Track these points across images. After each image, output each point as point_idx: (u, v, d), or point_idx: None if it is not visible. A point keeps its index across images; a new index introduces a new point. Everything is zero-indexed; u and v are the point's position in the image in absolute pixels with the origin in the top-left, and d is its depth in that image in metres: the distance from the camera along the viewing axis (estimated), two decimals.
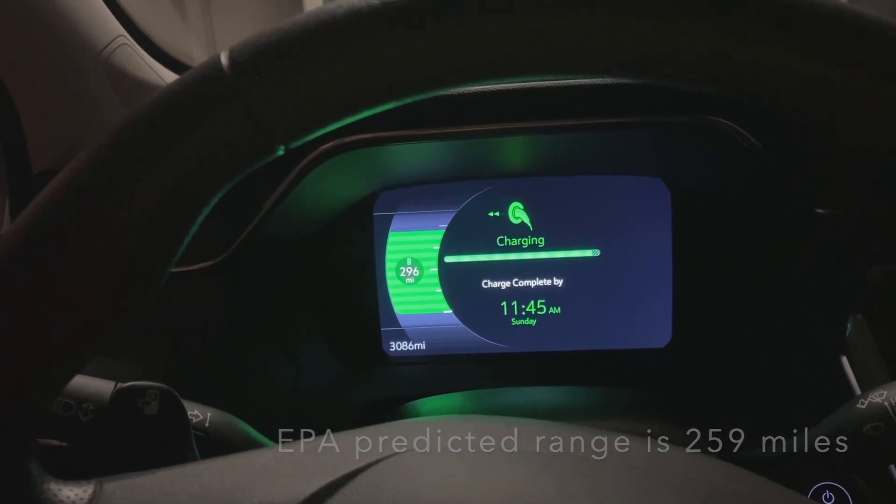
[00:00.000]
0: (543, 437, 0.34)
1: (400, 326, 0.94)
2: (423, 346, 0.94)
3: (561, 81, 0.73)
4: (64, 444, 0.48)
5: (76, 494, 0.31)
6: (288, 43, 0.27)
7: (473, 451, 0.33)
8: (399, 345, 0.94)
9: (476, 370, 0.94)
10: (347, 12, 0.27)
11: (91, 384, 0.48)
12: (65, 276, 0.28)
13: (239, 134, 0.28)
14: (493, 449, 0.33)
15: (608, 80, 0.73)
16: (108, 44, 0.85)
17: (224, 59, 0.27)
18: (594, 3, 0.26)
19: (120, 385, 0.48)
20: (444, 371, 0.94)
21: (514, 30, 0.26)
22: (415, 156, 0.84)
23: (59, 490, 0.31)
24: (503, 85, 0.74)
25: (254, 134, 0.28)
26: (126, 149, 0.28)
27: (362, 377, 0.94)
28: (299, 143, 0.29)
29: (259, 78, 0.27)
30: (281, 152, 0.29)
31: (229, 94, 0.27)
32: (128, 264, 0.29)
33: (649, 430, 0.70)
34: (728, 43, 0.26)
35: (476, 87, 0.74)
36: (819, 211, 0.72)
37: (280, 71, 0.27)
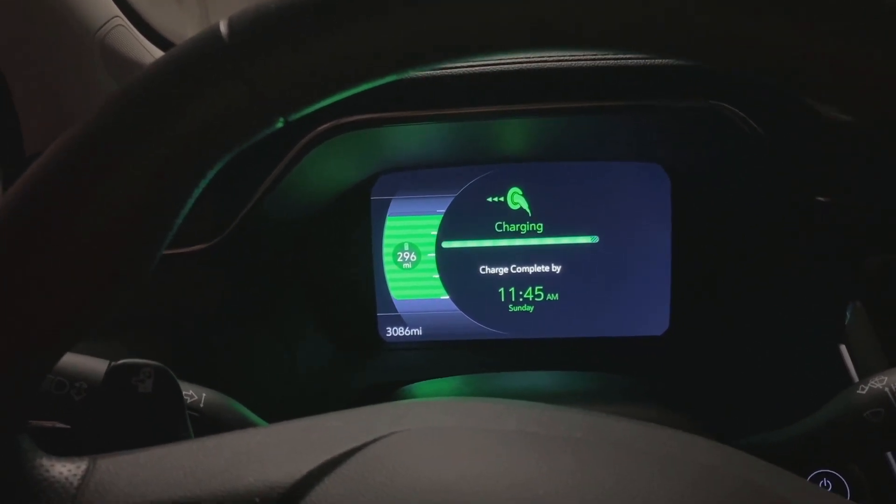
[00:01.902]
0: (540, 418, 0.34)
1: (396, 312, 0.94)
2: (419, 331, 0.94)
3: (562, 63, 0.73)
4: (61, 425, 0.48)
5: (69, 470, 0.31)
6: (288, 12, 0.27)
7: (470, 431, 0.33)
8: (396, 330, 0.94)
9: (473, 356, 0.94)
10: None
11: (84, 363, 0.48)
12: (58, 250, 0.28)
13: (237, 104, 0.28)
14: (490, 430, 0.33)
15: (609, 63, 0.73)
16: (104, 24, 0.84)
17: (223, 28, 0.27)
18: None
19: (114, 363, 0.48)
20: (440, 357, 0.94)
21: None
22: (414, 138, 0.83)
23: (52, 466, 0.31)
24: (503, 67, 0.73)
25: (253, 105, 0.28)
26: (121, 118, 0.28)
27: (358, 362, 0.95)
28: (299, 115, 0.29)
29: (258, 47, 0.27)
30: (280, 125, 0.29)
31: (228, 63, 0.27)
32: (122, 238, 0.28)
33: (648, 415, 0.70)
34: (728, 17, 0.25)
35: (477, 69, 0.73)
36: (819, 199, 0.72)
37: (280, 40, 0.27)
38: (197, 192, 0.30)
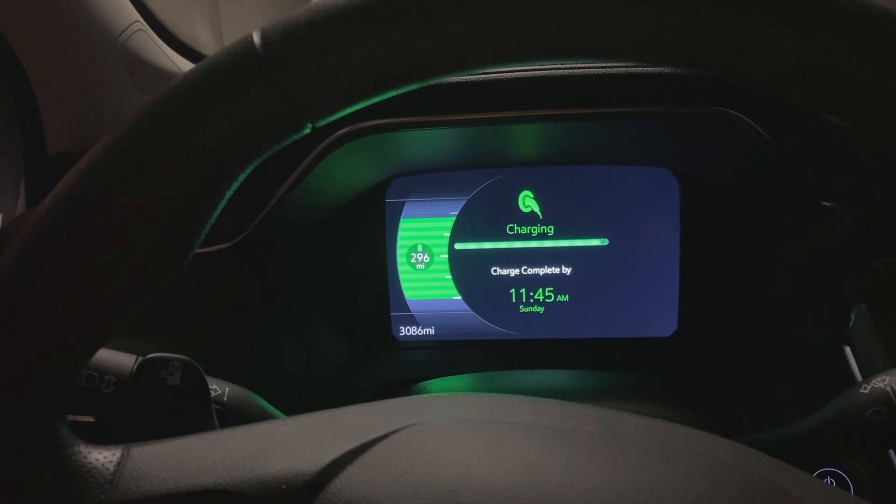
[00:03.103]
0: (553, 412, 0.35)
1: (410, 311, 0.95)
2: (432, 331, 0.95)
3: (573, 70, 0.74)
4: (84, 418, 0.49)
5: (105, 457, 0.32)
6: (318, 23, 0.28)
7: (486, 423, 0.34)
8: (408, 329, 0.96)
9: (484, 356, 0.95)
10: None
11: (112, 357, 0.50)
12: (97, 248, 0.29)
13: (269, 111, 0.29)
14: (505, 422, 0.34)
15: (619, 70, 0.74)
16: (125, 29, 0.86)
17: (256, 38, 0.28)
18: None
19: (145, 356, 0.49)
20: (452, 356, 0.95)
21: (550, 13, 0.27)
22: (428, 143, 0.85)
23: (89, 453, 0.32)
24: (516, 73, 0.74)
25: (283, 111, 0.29)
26: (159, 124, 0.29)
27: (372, 361, 0.96)
28: (326, 121, 0.30)
29: (290, 56, 0.28)
30: (308, 130, 0.30)
31: (261, 71, 0.28)
32: (158, 237, 0.30)
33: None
34: (741, 32, 0.26)
35: (490, 75, 0.74)
36: (825, 203, 0.73)
37: (310, 49, 0.28)
38: (228, 195, 0.31)
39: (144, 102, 0.29)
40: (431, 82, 0.30)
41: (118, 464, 0.32)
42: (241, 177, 0.31)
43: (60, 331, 0.30)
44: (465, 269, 0.94)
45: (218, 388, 0.56)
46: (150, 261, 0.30)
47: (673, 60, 0.28)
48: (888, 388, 0.52)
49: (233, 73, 0.28)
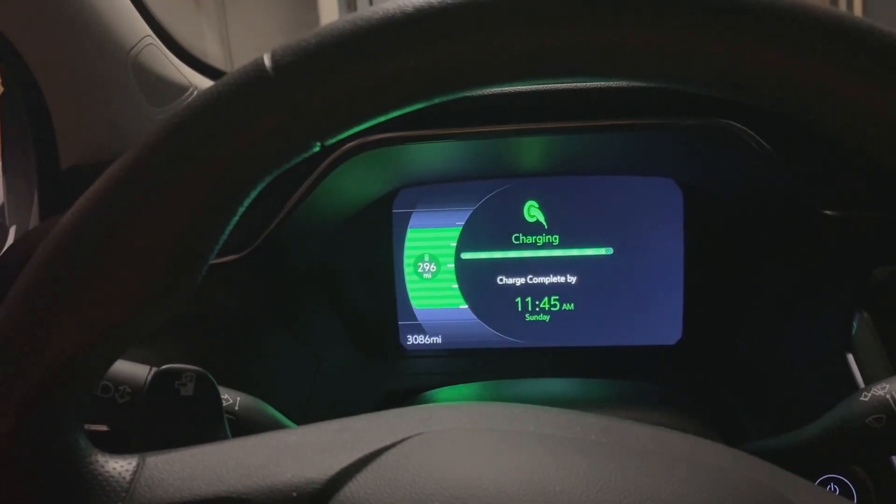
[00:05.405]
0: (556, 421, 0.35)
1: (417, 320, 0.96)
2: (439, 339, 0.96)
3: (578, 84, 0.75)
4: (97, 427, 0.50)
5: (122, 466, 0.33)
6: (326, 46, 0.29)
7: (490, 432, 0.35)
8: (416, 338, 0.96)
9: (490, 364, 0.95)
10: (382, 18, 0.29)
11: (126, 368, 0.51)
12: (115, 264, 0.30)
13: (279, 130, 0.30)
14: (510, 431, 0.35)
15: (623, 83, 0.74)
16: (136, 43, 0.87)
17: (267, 61, 0.29)
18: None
19: (158, 367, 0.50)
20: (459, 364, 0.96)
21: (549, 37, 0.28)
22: (434, 155, 0.85)
23: (106, 462, 0.33)
24: (521, 86, 0.75)
25: (293, 130, 0.30)
26: (173, 145, 0.30)
27: (380, 369, 0.96)
28: (334, 139, 0.31)
29: (298, 78, 0.29)
30: (317, 149, 0.31)
31: (271, 93, 0.29)
32: (174, 252, 0.31)
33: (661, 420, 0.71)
34: (736, 48, 0.27)
35: (496, 88, 0.75)
36: (827, 212, 0.73)
37: (318, 71, 0.29)
38: (241, 210, 0.32)
39: (159, 123, 0.31)
40: (436, 101, 0.31)
41: (134, 473, 0.33)
42: (253, 193, 0.32)
43: (82, 344, 0.31)
44: (472, 279, 0.95)
45: (229, 397, 0.57)
46: (167, 274, 0.31)
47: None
48: (888, 396, 0.52)
49: (244, 95, 0.29)
